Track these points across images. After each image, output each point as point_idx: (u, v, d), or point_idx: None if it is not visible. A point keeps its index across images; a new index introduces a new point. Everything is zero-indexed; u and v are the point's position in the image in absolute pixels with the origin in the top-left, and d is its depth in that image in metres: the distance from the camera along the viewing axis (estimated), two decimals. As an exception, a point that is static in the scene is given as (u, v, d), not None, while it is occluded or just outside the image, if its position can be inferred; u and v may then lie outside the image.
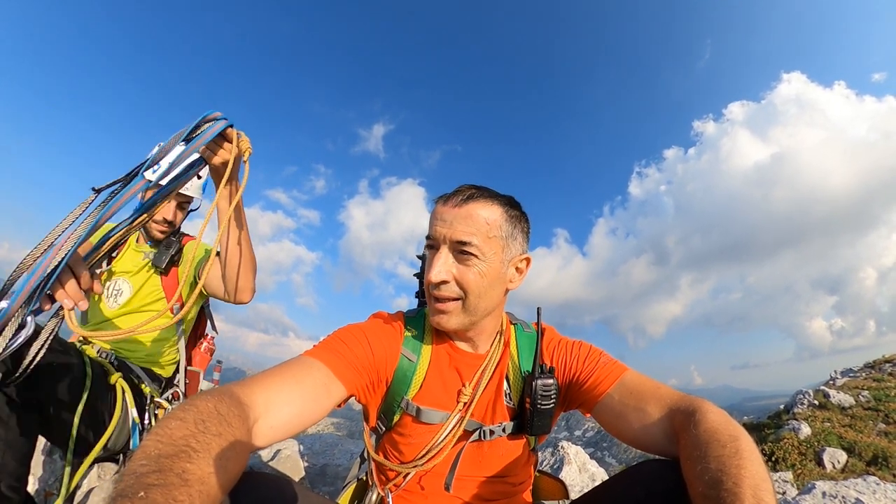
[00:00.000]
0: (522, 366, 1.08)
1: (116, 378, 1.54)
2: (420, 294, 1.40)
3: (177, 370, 2.00)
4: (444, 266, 0.95)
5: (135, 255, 1.92)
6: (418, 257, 1.25)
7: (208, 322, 2.18)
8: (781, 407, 8.86)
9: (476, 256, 0.95)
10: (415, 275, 1.41)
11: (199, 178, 1.88)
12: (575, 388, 1.02)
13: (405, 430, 1.04)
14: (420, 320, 1.12)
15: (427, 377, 1.04)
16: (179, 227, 1.98)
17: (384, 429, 1.08)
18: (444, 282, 0.95)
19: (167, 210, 1.86)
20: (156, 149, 1.02)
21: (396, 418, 1.04)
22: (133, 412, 1.53)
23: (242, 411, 0.66)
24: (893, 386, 8.59)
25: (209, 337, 2.19)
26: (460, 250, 0.95)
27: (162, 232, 1.89)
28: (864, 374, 10.14)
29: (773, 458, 6.25)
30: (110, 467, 1.69)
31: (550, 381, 0.99)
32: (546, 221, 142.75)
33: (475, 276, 0.95)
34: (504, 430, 1.04)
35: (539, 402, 0.99)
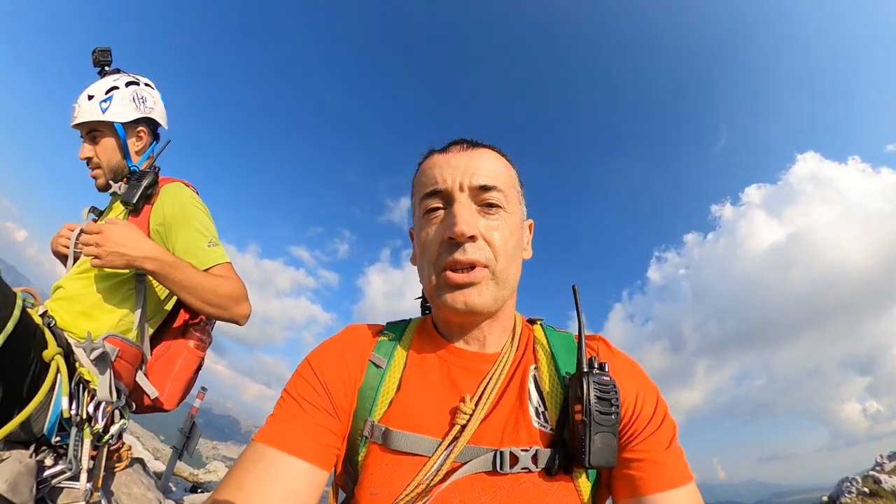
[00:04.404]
0: (561, 367, 0.73)
1: (53, 354, 1.17)
2: (424, 303, 1.00)
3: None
4: (472, 217, 0.69)
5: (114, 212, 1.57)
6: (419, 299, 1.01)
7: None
8: (825, 499, 7.80)
9: (503, 209, 0.72)
10: (416, 298, 1.08)
11: (91, 97, 1.50)
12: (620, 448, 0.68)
13: (375, 469, 0.68)
14: (404, 324, 0.85)
15: (402, 388, 0.72)
16: (132, 165, 1.58)
17: (351, 483, 0.72)
18: (474, 238, 0.68)
19: (81, 149, 1.54)
20: None
21: (361, 456, 0.70)
22: (64, 402, 1.17)
23: None
24: (951, 472, 7.64)
25: (203, 325, 1.62)
26: (484, 200, 0.71)
27: (95, 177, 1.56)
28: (914, 457, 9.11)
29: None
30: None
31: (608, 378, 0.66)
32: (563, 306, 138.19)
33: (504, 235, 0.71)
34: (536, 458, 0.65)
35: (596, 406, 0.63)
